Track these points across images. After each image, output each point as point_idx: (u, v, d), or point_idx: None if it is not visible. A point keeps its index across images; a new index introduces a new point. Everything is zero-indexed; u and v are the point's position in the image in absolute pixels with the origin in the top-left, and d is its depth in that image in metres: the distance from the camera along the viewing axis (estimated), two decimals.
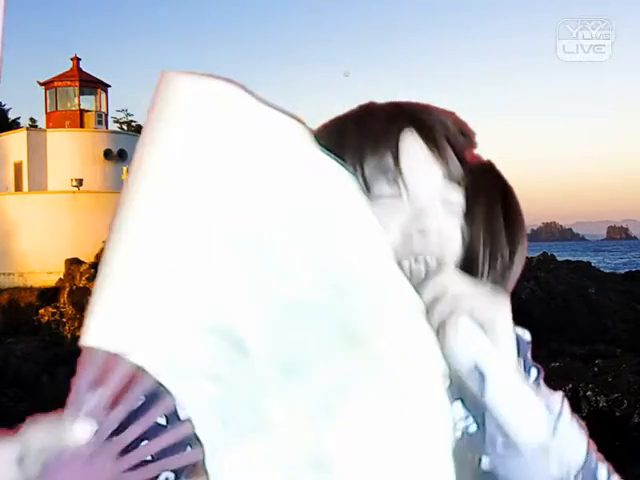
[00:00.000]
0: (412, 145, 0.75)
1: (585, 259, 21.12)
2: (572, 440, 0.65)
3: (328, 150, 0.74)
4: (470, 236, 0.75)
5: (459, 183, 0.76)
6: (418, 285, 0.68)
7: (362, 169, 0.74)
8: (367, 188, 0.73)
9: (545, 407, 0.65)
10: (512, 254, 0.76)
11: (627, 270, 21.18)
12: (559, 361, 8.57)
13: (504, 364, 0.64)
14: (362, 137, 0.75)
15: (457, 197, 0.76)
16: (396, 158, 0.74)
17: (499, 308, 0.66)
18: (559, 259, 17.96)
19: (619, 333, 12.31)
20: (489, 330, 0.65)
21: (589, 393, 7.19)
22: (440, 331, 0.64)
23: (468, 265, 0.73)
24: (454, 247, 0.74)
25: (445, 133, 0.76)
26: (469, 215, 0.76)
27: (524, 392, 0.63)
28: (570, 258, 21.58)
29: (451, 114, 0.79)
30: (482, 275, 0.73)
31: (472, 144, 0.78)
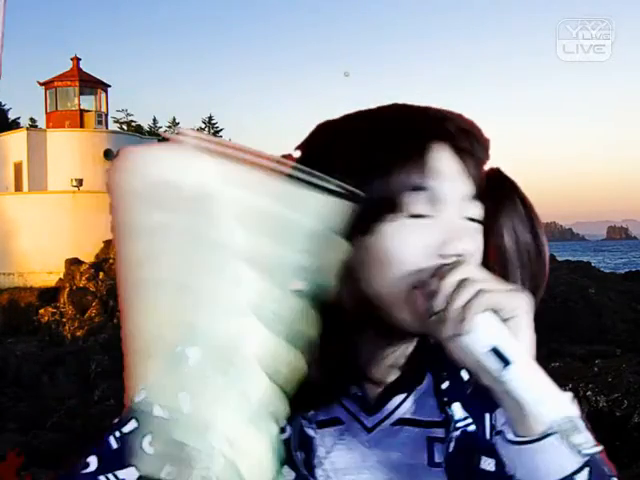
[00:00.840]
0: (443, 161, 0.73)
1: (585, 259, 21.14)
2: (587, 434, 0.64)
3: (352, 156, 0.73)
4: (498, 251, 0.75)
5: (481, 199, 0.75)
6: (441, 272, 0.68)
7: (393, 184, 0.71)
8: (397, 203, 0.71)
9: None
10: (541, 265, 0.77)
11: (627, 270, 21.21)
12: (559, 361, 8.58)
13: (522, 352, 0.64)
14: (392, 150, 0.72)
15: (480, 213, 0.75)
16: (428, 175, 0.71)
17: (520, 302, 0.66)
18: (559, 259, 17.99)
19: (619, 333, 12.32)
20: (509, 321, 0.65)
21: (589, 393, 7.19)
22: (461, 318, 0.64)
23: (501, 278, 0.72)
24: (476, 263, 0.73)
25: (470, 143, 0.74)
26: (494, 229, 0.75)
27: (543, 376, 0.64)
28: (570, 258, 21.61)
29: (468, 120, 0.77)
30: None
31: (487, 152, 0.77)
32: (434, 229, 0.72)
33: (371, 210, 0.71)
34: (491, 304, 0.65)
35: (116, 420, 0.76)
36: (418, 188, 0.71)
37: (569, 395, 0.65)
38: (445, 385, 0.78)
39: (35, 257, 18.47)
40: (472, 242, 0.73)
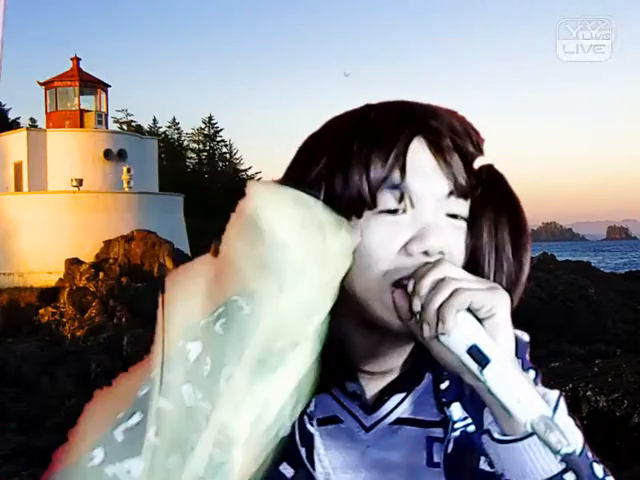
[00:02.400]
0: (420, 157, 0.72)
1: (585, 259, 21.17)
2: (568, 432, 0.64)
3: (331, 155, 0.74)
4: (476, 247, 0.75)
5: (465, 195, 0.74)
6: (419, 273, 0.68)
7: (368, 179, 0.71)
8: (372, 199, 0.71)
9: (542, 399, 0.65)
10: (518, 265, 0.75)
11: (627, 270, 21.24)
12: (559, 361, 8.58)
13: (501, 350, 0.64)
14: (368, 145, 0.72)
15: (462, 210, 0.74)
16: (403, 171, 0.71)
17: (498, 299, 0.66)
18: (559, 259, 17.98)
19: (619, 333, 12.32)
20: (487, 320, 0.65)
21: (589, 393, 7.19)
22: (439, 318, 0.64)
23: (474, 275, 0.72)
24: (456, 263, 0.72)
25: (454, 139, 0.73)
26: (475, 226, 0.75)
27: (521, 375, 0.64)
28: (570, 258, 21.64)
29: (459, 117, 0.76)
30: None
31: (480, 149, 0.76)
32: (405, 225, 0.71)
33: (346, 207, 0.72)
34: (468, 303, 0.64)
35: (120, 415, 0.77)
36: (391, 184, 0.71)
37: (554, 393, 0.65)
38: (444, 385, 0.78)
39: (35, 257, 18.46)
40: (448, 239, 0.72)
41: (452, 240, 0.73)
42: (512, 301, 0.69)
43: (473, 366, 0.64)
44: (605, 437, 6.43)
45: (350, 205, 0.72)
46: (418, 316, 0.66)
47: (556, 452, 0.62)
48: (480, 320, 0.65)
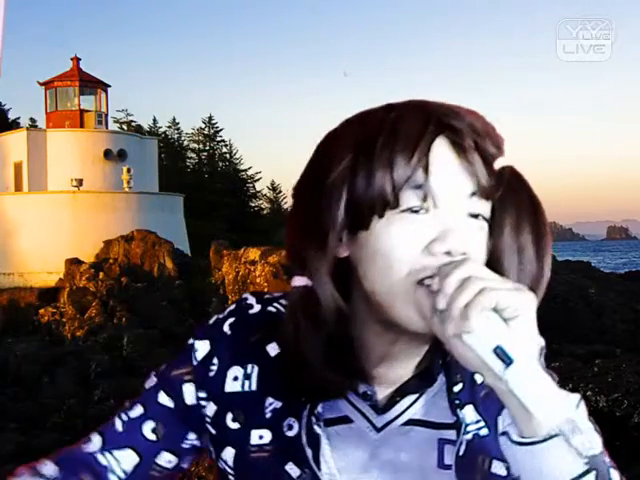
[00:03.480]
0: (443, 157, 0.72)
1: (585, 259, 21.13)
2: (588, 436, 0.63)
3: (354, 155, 0.73)
4: (498, 248, 0.74)
5: (487, 195, 0.74)
6: (444, 271, 0.67)
7: (391, 179, 0.71)
8: (395, 198, 0.71)
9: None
10: (540, 266, 0.75)
11: (627, 270, 21.20)
12: (559, 361, 8.56)
13: (526, 351, 0.63)
14: (391, 145, 0.72)
15: (484, 210, 0.74)
16: (426, 170, 0.71)
17: (524, 300, 0.65)
18: (559, 259, 17.95)
19: (619, 333, 12.30)
20: (512, 320, 0.64)
21: (589, 393, 7.18)
22: (464, 317, 0.63)
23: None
24: (478, 260, 0.72)
25: (475, 139, 0.73)
26: (497, 227, 0.74)
27: (545, 377, 0.63)
28: (570, 258, 21.61)
29: (480, 117, 0.76)
30: None
31: (501, 149, 0.76)
32: (427, 225, 0.71)
33: (369, 206, 0.72)
34: (494, 303, 0.64)
35: (127, 403, 0.82)
36: (414, 184, 0.71)
37: (575, 396, 0.64)
38: (458, 387, 0.77)
39: (35, 257, 18.46)
40: (471, 239, 0.72)
41: (474, 240, 0.72)
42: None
43: (496, 366, 0.63)
44: (605, 437, 6.41)
45: (372, 204, 0.71)
46: (441, 314, 0.66)
47: (582, 455, 0.61)
48: (505, 320, 0.64)
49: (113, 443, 0.84)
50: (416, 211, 0.71)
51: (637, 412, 6.92)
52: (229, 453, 0.81)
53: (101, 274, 16.33)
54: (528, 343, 0.64)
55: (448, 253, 0.69)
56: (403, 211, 0.71)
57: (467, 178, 0.72)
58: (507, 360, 0.62)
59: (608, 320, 12.77)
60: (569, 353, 9.78)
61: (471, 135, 0.73)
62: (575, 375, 7.74)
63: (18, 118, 36.28)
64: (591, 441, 0.61)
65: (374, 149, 0.72)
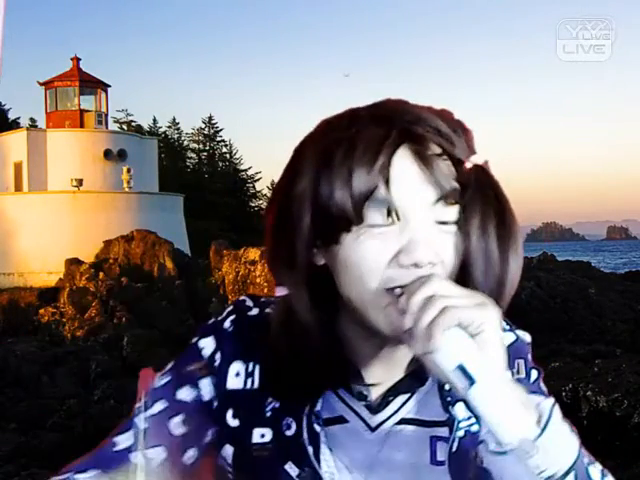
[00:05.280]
0: (404, 168, 0.71)
1: (585, 259, 21.14)
2: (561, 443, 0.65)
3: (315, 169, 0.74)
4: (466, 250, 0.74)
5: (453, 200, 0.73)
6: (410, 289, 0.68)
7: (351, 196, 0.71)
8: (357, 215, 0.71)
9: (534, 410, 0.65)
10: (505, 267, 0.74)
11: (627, 270, 21.19)
12: (559, 361, 8.57)
13: (489, 369, 0.64)
14: (350, 158, 0.71)
15: (451, 215, 0.73)
16: (387, 183, 0.70)
17: (487, 316, 0.66)
18: (559, 259, 17.95)
19: (619, 333, 12.30)
20: (477, 336, 0.65)
21: (589, 393, 7.19)
22: (428, 336, 0.64)
23: (462, 279, 0.72)
24: (447, 269, 0.72)
25: (441, 143, 0.72)
26: (465, 229, 0.74)
27: (507, 397, 0.64)
28: (570, 258, 21.59)
29: (448, 116, 0.75)
30: (476, 289, 0.71)
31: (469, 145, 0.75)
32: (394, 237, 0.71)
33: (334, 222, 0.72)
34: (457, 320, 0.64)
35: (139, 404, 0.80)
36: (375, 199, 0.71)
37: (548, 403, 0.66)
38: (449, 385, 0.78)
39: (35, 257, 18.45)
40: (438, 248, 0.72)
41: (442, 248, 0.72)
42: (502, 304, 0.70)
43: (460, 384, 0.64)
44: (605, 437, 6.43)
45: (336, 221, 0.72)
46: (409, 333, 0.67)
47: (537, 475, 0.63)
48: (471, 336, 0.65)
49: (143, 442, 0.80)
50: (379, 225, 0.71)
51: (637, 412, 6.92)
52: (228, 451, 0.82)
53: (101, 274, 16.32)
54: (493, 358, 0.65)
55: (415, 265, 0.70)
56: (368, 226, 0.71)
57: (431, 186, 0.72)
58: (469, 379, 0.63)
59: (608, 320, 12.77)
60: (569, 353, 9.78)
61: (436, 140, 0.72)
62: (575, 375, 7.74)
63: (18, 118, 36.32)
64: (546, 463, 0.63)
65: (333, 164, 0.72)
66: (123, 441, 0.79)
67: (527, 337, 0.84)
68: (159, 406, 0.80)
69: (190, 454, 0.81)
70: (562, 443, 0.66)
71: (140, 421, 0.79)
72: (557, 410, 0.67)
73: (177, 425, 0.80)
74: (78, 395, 10.34)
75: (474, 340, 0.65)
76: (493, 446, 0.65)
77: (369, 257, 0.71)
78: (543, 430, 0.64)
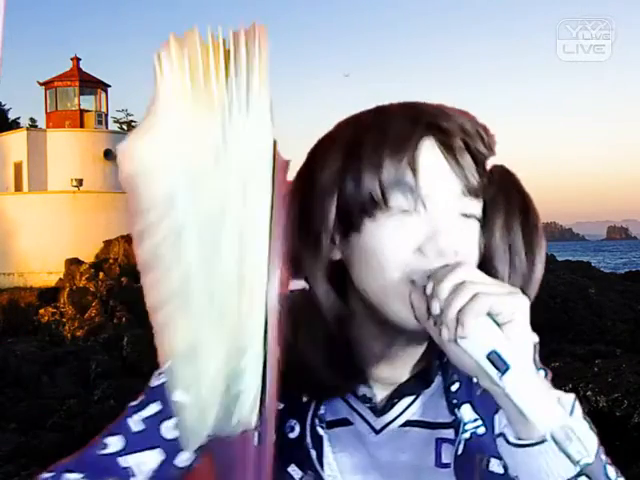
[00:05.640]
0: (431, 158, 0.72)
1: (585, 259, 21.15)
2: (587, 434, 0.63)
3: (344, 157, 0.74)
4: (489, 247, 0.74)
5: (477, 195, 0.74)
6: (438, 275, 0.67)
7: (380, 180, 0.71)
8: (384, 200, 0.71)
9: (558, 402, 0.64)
10: (531, 264, 0.75)
11: (627, 270, 21.18)
12: (559, 361, 8.56)
13: (521, 356, 0.63)
14: (380, 147, 0.72)
15: (475, 209, 0.74)
16: (414, 171, 0.71)
17: (517, 304, 0.65)
18: (559, 259, 17.97)
19: (619, 333, 12.30)
20: (506, 325, 0.64)
21: (589, 393, 7.19)
22: (458, 322, 0.63)
23: (487, 275, 0.71)
24: (470, 261, 0.72)
25: (465, 140, 0.73)
26: (488, 226, 0.75)
27: (540, 384, 0.63)
28: (570, 258, 21.59)
29: (471, 117, 0.76)
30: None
31: (492, 149, 0.76)
32: (418, 226, 0.71)
33: (359, 208, 0.72)
34: (488, 308, 0.64)
35: (133, 403, 0.76)
36: (402, 185, 0.71)
37: (569, 397, 0.64)
38: (455, 387, 0.77)
39: (35, 257, 18.45)
40: (462, 239, 0.72)
41: (466, 240, 0.73)
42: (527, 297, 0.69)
43: (492, 372, 0.63)
44: (605, 437, 6.41)
45: (362, 206, 0.72)
46: (436, 319, 0.66)
47: (575, 463, 0.61)
48: (499, 325, 0.64)
49: (132, 445, 0.77)
50: (406, 212, 0.71)
51: (637, 412, 6.92)
52: None
53: (101, 274, 16.33)
54: (523, 348, 0.64)
55: (439, 253, 0.70)
56: (393, 212, 0.71)
57: (456, 178, 0.73)
58: (503, 366, 0.62)
59: (608, 320, 12.77)
60: (569, 353, 9.78)
61: (461, 135, 0.73)
62: (575, 375, 7.74)
63: (18, 118, 36.28)
64: (586, 448, 0.61)
65: (363, 151, 0.73)
66: (113, 443, 0.76)
67: (534, 337, 0.84)
68: (154, 408, 0.76)
69: (185, 456, 0.77)
70: (588, 434, 0.65)
71: (134, 423, 0.75)
72: (578, 405, 0.66)
73: (171, 428, 0.76)
74: (78, 395, 10.34)
75: (504, 328, 0.64)
76: (513, 438, 0.64)
77: (392, 244, 0.71)
78: (571, 416, 0.63)
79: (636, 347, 10.43)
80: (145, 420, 0.75)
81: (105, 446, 0.75)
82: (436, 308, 0.65)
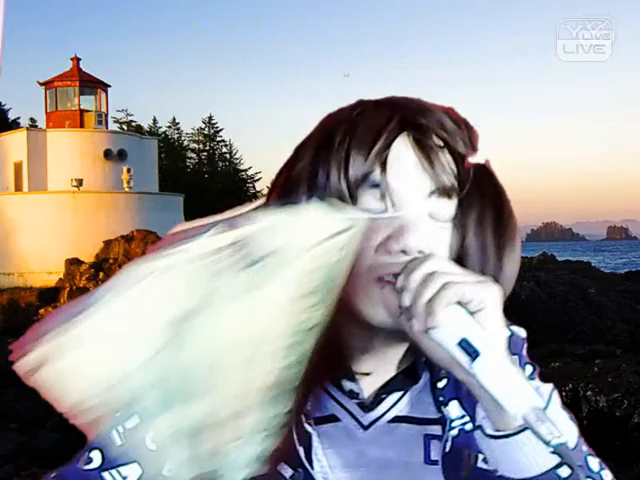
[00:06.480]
0: (403, 156, 0.71)
1: (585, 259, 21.19)
2: (561, 424, 0.63)
3: (314, 152, 0.73)
4: (462, 246, 0.74)
5: (450, 195, 0.73)
6: (408, 267, 0.67)
7: (347, 179, 0.70)
8: (352, 199, 0.71)
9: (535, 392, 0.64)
10: (501, 264, 0.74)
11: (627, 270, 21.20)
12: (559, 361, 8.56)
13: (492, 343, 0.63)
14: (350, 145, 0.71)
15: (446, 210, 0.73)
16: (384, 170, 0.70)
17: (488, 292, 0.65)
18: (559, 259, 17.98)
19: (619, 333, 12.31)
20: (477, 313, 0.64)
21: (589, 393, 7.19)
22: (429, 312, 0.63)
23: None
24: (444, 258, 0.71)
25: (443, 137, 0.72)
26: (461, 225, 0.74)
27: (512, 370, 0.63)
28: (570, 258, 21.64)
29: (453, 114, 0.74)
30: None
31: (474, 147, 0.75)
32: (383, 223, 0.71)
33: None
34: (458, 297, 0.63)
35: (118, 413, 0.75)
36: (370, 183, 0.71)
37: (548, 387, 0.65)
38: (442, 383, 0.77)
39: (35, 257, 18.46)
40: (429, 238, 0.71)
41: (433, 240, 0.72)
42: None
43: (463, 360, 0.63)
44: (605, 437, 6.43)
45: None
46: (407, 311, 0.66)
47: (547, 443, 0.61)
48: (471, 313, 0.64)
49: (116, 459, 0.75)
50: (373, 211, 0.71)
51: (637, 412, 6.92)
52: None
53: (101, 274, 16.33)
54: (494, 335, 0.64)
55: (403, 251, 0.69)
56: (361, 210, 0.70)
57: (427, 177, 0.72)
58: (473, 353, 0.62)
59: (608, 320, 12.78)
60: (569, 353, 9.78)
61: (439, 133, 0.72)
62: (575, 375, 7.73)
63: (18, 118, 36.30)
64: (559, 430, 0.60)
65: (332, 146, 0.72)
66: (97, 458, 0.74)
67: (522, 333, 0.84)
68: (135, 420, 0.71)
69: (168, 467, 0.72)
70: (565, 422, 0.64)
71: (114, 436, 0.73)
72: (556, 394, 0.66)
73: (152, 440, 0.70)
74: None
75: (475, 317, 0.64)
76: (491, 430, 0.65)
77: (359, 244, 0.70)
78: (546, 406, 0.63)
79: (636, 347, 10.44)
80: (128, 432, 0.72)
81: (89, 460, 0.75)
82: (407, 299, 0.65)
